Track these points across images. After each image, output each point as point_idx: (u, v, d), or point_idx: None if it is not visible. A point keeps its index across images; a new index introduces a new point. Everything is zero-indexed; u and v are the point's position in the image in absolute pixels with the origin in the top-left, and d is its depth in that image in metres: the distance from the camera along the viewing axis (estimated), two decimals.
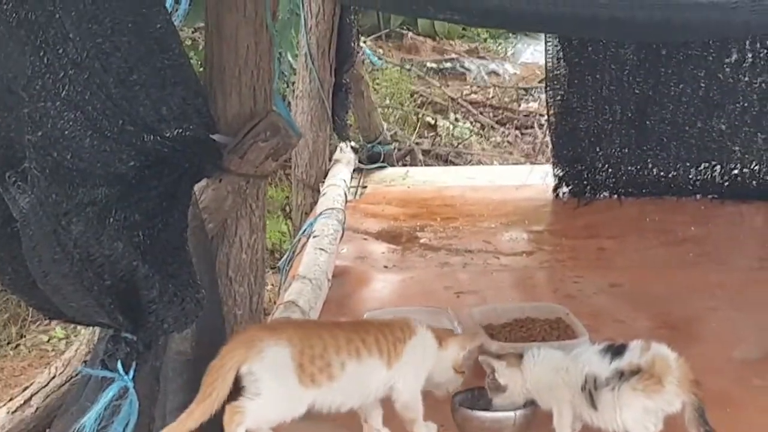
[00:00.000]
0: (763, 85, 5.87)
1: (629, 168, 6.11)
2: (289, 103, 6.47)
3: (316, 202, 5.83)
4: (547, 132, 6.89)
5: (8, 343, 6.21)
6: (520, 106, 10.02)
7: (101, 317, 2.83)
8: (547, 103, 6.27)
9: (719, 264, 5.02)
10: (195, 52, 6.78)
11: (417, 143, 8.56)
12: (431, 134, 9.20)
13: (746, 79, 5.88)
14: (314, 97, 6.32)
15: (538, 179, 6.35)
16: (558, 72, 6.07)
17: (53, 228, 2.63)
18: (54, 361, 4.10)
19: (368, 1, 6.92)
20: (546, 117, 6.59)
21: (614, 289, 4.65)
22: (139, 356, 2.88)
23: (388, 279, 4.83)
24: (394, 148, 7.41)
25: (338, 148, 6.70)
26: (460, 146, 9.07)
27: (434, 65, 10.63)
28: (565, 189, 6.15)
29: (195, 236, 3.14)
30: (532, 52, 10.89)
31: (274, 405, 2.96)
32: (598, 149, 6.12)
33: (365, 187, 6.56)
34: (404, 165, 7.38)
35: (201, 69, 3.50)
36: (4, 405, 4.18)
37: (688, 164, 6.06)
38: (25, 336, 6.30)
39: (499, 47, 11.43)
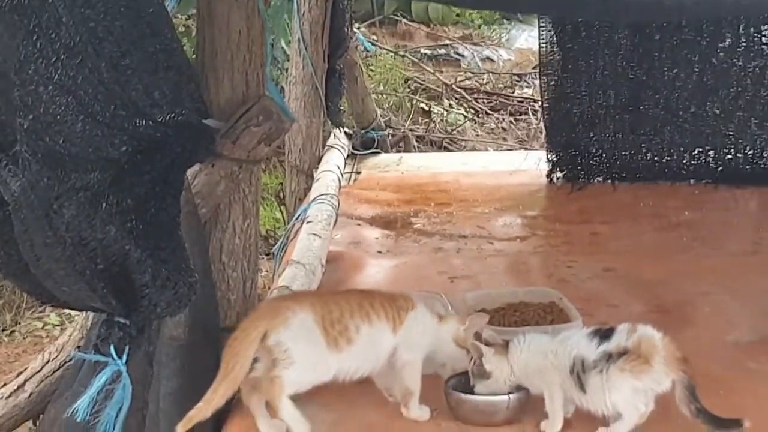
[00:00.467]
0: (757, 69, 5.87)
1: (623, 153, 6.11)
2: (283, 88, 6.46)
3: (309, 188, 5.83)
4: (541, 117, 6.90)
5: (3, 330, 6.21)
6: (514, 92, 10.01)
7: (94, 301, 2.83)
8: (540, 88, 6.26)
9: (713, 249, 5.03)
10: (188, 39, 6.76)
11: (411, 129, 8.54)
12: (425, 120, 9.18)
13: (740, 63, 5.87)
14: (307, 82, 6.30)
15: (532, 165, 6.34)
16: (552, 57, 6.06)
17: (45, 212, 2.63)
18: (48, 347, 4.11)
19: None
20: (540, 102, 6.58)
21: (608, 274, 4.65)
22: (132, 340, 2.89)
23: (381, 264, 4.83)
24: (388, 135, 7.40)
25: (332, 134, 6.70)
26: (454, 132, 9.06)
27: (428, 51, 10.61)
28: (558, 174, 6.15)
29: (188, 221, 3.14)
30: (527, 38, 10.86)
31: (309, 370, 3.08)
32: (591, 134, 6.12)
33: (359, 172, 6.56)
34: (398, 151, 7.37)
35: (194, 56, 3.49)
36: None
37: (681, 149, 6.06)
38: (19, 323, 6.30)
39: (494, 33, 11.41)
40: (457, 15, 11.43)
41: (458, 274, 4.68)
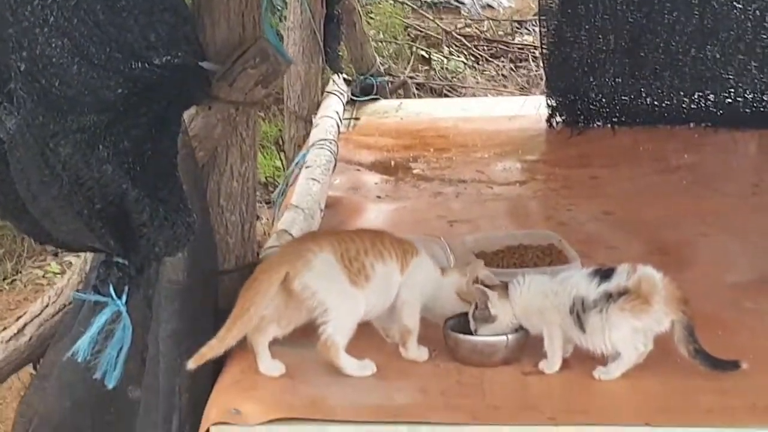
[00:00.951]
0: (757, 12, 5.84)
1: (623, 97, 6.08)
2: (281, 34, 6.43)
3: (308, 135, 5.81)
4: (541, 63, 6.88)
5: (4, 279, 6.23)
6: (514, 39, 9.99)
7: (92, 241, 2.83)
8: (540, 33, 6.23)
9: (712, 191, 5.02)
10: None
11: (411, 77, 8.52)
12: (425, 68, 9.16)
13: (740, 6, 5.84)
14: (305, 28, 6.27)
15: (531, 110, 6.32)
16: (551, 2, 6.02)
17: (41, 150, 2.63)
18: (47, 291, 4.12)
19: None
20: (539, 48, 6.56)
21: (607, 217, 4.65)
22: (131, 281, 2.90)
23: (380, 209, 4.83)
24: (388, 81, 7.38)
25: (331, 81, 6.67)
26: (455, 80, 9.04)
27: None
28: (558, 119, 6.13)
29: (185, 164, 3.13)
30: None
31: (346, 311, 3.11)
32: (591, 79, 6.10)
33: (358, 118, 6.53)
34: (398, 98, 7.35)
35: None
36: None
37: (681, 93, 6.04)
38: (20, 272, 6.32)
39: None
40: None
41: (457, 218, 4.68)
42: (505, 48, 9.73)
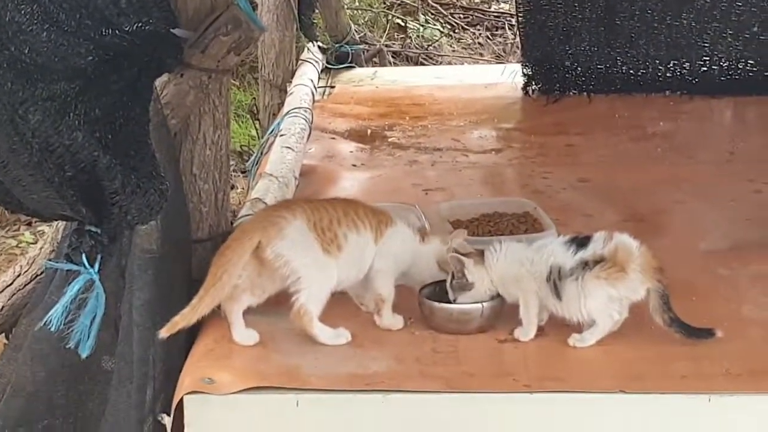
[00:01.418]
0: None
1: (598, 66, 6.08)
2: (255, 2, 6.38)
3: (283, 103, 5.78)
4: (517, 31, 6.86)
5: None
6: (490, 6, 9.93)
7: (63, 209, 2.80)
8: (516, 1, 6.22)
9: (687, 158, 5.03)
10: None
11: (386, 45, 8.48)
12: (401, 36, 9.12)
13: None
14: None
15: (507, 78, 6.30)
16: None
17: (10, 117, 2.59)
18: (19, 260, 4.09)
19: None
20: (515, 16, 6.54)
21: (583, 184, 4.65)
22: (103, 249, 2.87)
23: (356, 177, 4.81)
24: (363, 50, 7.34)
25: (305, 49, 6.64)
26: (430, 48, 9.01)
27: None
28: (534, 87, 6.12)
29: (157, 132, 3.11)
30: None
31: (319, 279, 3.10)
32: (567, 47, 6.09)
33: (333, 87, 6.50)
34: (373, 66, 7.32)
35: None
36: None
37: (657, 61, 6.04)
38: None
39: None
40: None
41: (433, 186, 4.67)
42: (482, 16, 9.68)
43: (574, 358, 3.06)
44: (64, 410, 3.22)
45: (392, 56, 8.42)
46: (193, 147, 3.44)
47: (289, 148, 4.71)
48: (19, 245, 6.18)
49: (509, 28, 9.23)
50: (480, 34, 9.47)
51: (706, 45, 5.99)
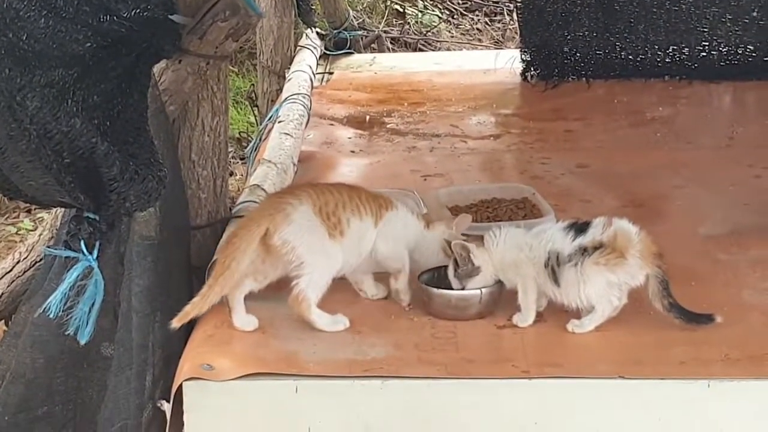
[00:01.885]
0: None
1: (597, 51, 6.06)
2: None
3: (282, 89, 5.78)
4: (515, 17, 6.84)
5: None
6: None
7: (62, 196, 2.80)
8: None
9: (686, 143, 5.03)
10: None
11: (385, 31, 8.47)
12: (399, 22, 9.10)
13: None
14: None
15: (506, 64, 6.29)
16: None
17: (8, 104, 2.59)
18: (18, 247, 4.09)
19: None
20: (514, 2, 6.53)
21: (581, 170, 4.64)
22: (102, 236, 2.87)
23: (354, 163, 4.81)
24: (362, 36, 7.33)
25: (304, 35, 6.63)
26: (429, 34, 8.99)
27: None
28: (533, 73, 6.11)
29: (156, 119, 3.11)
30: None
31: (320, 264, 3.10)
32: (565, 33, 6.06)
33: (331, 73, 6.49)
34: (372, 52, 7.30)
35: None
36: None
37: (656, 46, 6.02)
38: None
39: None
40: None
41: (431, 172, 4.66)
42: (480, 2, 9.66)
43: (573, 344, 3.07)
44: (63, 396, 3.23)
45: (391, 42, 8.41)
46: (191, 133, 3.44)
47: (287, 134, 4.70)
48: (19, 232, 6.18)
49: (508, 14, 9.21)
50: (479, 19, 9.46)
51: (705, 30, 5.97)
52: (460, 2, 9.64)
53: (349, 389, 2.90)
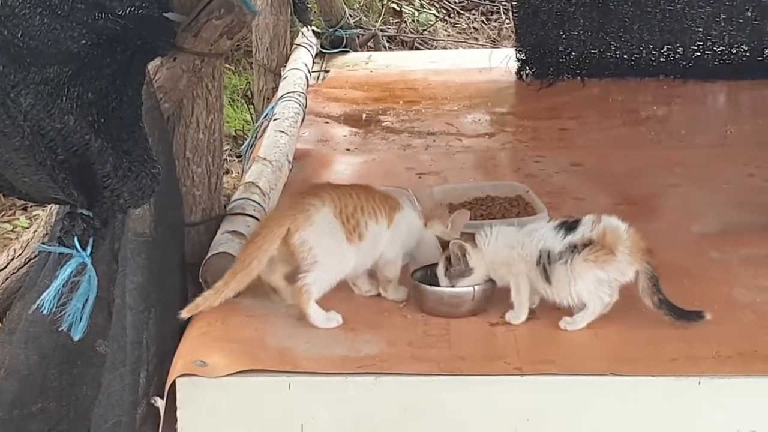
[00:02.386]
0: None
1: (592, 50, 6.10)
2: None
3: (277, 87, 5.79)
4: (511, 16, 6.86)
5: None
6: None
7: (56, 193, 2.81)
8: None
9: (680, 142, 5.05)
10: None
11: (381, 30, 8.48)
12: (396, 21, 9.11)
13: None
14: None
15: (501, 63, 6.30)
16: None
17: (2, 100, 2.59)
18: (13, 244, 4.10)
19: None
20: (509, 1, 6.54)
21: (576, 168, 4.66)
22: (96, 232, 2.87)
23: (349, 161, 4.82)
24: (358, 34, 7.34)
25: (300, 33, 6.64)
26: (425, 33, 9.00)
27: None
28: (528, 71, 6.12)
29: (150, 116, 3.11)
30: None
31: (332, 268, 3.13)
32: (560, 32, 6.09)
33: (327, 71, 6.51)
34: (368, 50, 7.32)
35: None
36: None
37: (650, 46, 6.05)
38: None
39: None
40: None
41: (426, 170, 4.68)
42: (477, 1, 9.68)
43: (565, 341, 3.07)
44: (57, 393, 3.24)
45: (387, 41, 8.42)
46: (186, 131, 3.44)
47: (282, 132, 4.71)
48: (14, 229, 6.18)
49: (504, 13, 9.22)
50: (475, 18, 9.47)
51: (699, 29, 6.01)
52: (457, 1, 9.66)
53: (342, 386, 2.90)
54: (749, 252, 3.64)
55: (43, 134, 2.65)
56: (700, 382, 2.86)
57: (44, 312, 2.87)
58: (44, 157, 2.69)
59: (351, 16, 7.39)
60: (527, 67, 6.13)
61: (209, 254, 3.31)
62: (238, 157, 6.53)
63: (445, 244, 3.24)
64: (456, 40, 9.04)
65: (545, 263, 3.10)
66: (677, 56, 6.03)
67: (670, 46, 6.03)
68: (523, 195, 4.00)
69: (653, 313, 3.06)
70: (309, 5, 6.76)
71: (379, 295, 3.32)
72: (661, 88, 5.88)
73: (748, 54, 5.97)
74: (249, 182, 3.95)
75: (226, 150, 5.19)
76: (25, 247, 3.85)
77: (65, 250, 2.87)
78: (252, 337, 3.08)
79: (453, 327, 3.14)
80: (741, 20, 5.93)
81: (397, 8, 9.24)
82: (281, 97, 5.26)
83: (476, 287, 3.18)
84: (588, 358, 2.99)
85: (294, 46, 6.45)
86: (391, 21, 9.12)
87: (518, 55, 6.17)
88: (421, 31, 9.01)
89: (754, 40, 5.95)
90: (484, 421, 2.91)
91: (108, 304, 3.14)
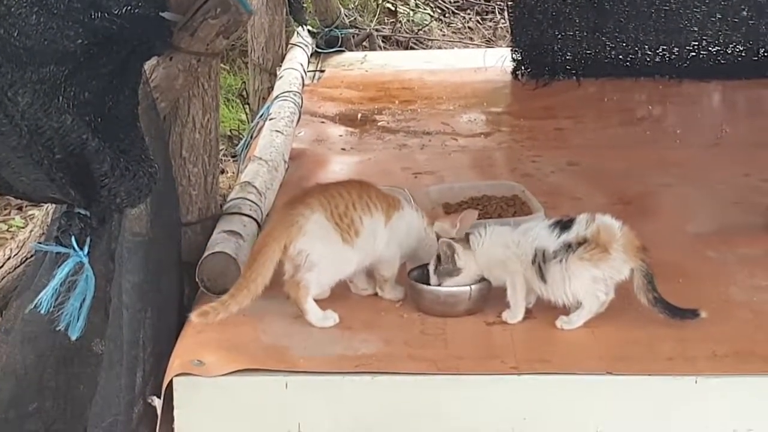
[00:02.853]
0: None
1: (587, 50, 6.10)
2: None
3: (273, 87, 5.78)
4: (506, 16, 6.86)
5: None
6: None
7: (53, 192, 2.80)
8: None
9: (676, 142, 5.06)
10: None
11: (376, 29, 8.47)
12: (391, 20, 9.11)
13: None
14: None
15: (496, 62, 6.31)
16: None
17: None
18: (9, 243, 4.09)
19: None
20: (505, 1, 6.55)
21: (571, 168, 4.66)
22: (93, 232, 2.87)
23: (345, 161, 4.82)
24: (353, 34, 7.34)
25: (295, 33, 6.64)
26: (421, 32, 9.00)
27: None
28: (523, 71, 6.13)
29: (147, 115, 3.11)
30: None
31: (329, 269, 3.17)
32: (556, 32, 6.10)
33: (323, 71, 6.51)
34: (363, 50, 7.31)
35: None
36: None
37: (646, 46, 6.06)
38: None
39: None
40: None
41: (422, 169, 4.68)
42: (472, 1, 9.68)
43: (562, 340, 3.08)
44: (54, 393, 3.24)
45: (382, 41, 8.42)
46: (182, 130, 3.44)
47: (278, 131, 4.71)
48: (10, 229, 6.17)
49: (499, 13, 9.22)
50: (470, 18, 9.47)
51: (695, 29, 6.01)
52: (452, 1, 9.65)
53: (339, 385, 2.91)
54: (745, 251, 3.65)
55: (40, 133, 2.65)
56: (696, 381, 2.87)
57: (42, 311, 2.87)
58: (41, 156, 2.68)
59: (346, 15, 7.38)
60: (523, 67, 6.13)
61: (205, 254, 3.31)
62: (233, 156, 6.53)
63: None
64: (451, 39, 9.03)
65: (540, 262, 3.11)
66: (673, 56, 6.03)
67: (665, 46, 6.03)
68: (520, 194, 3.99)
69: (650, 313, 3.07)
70: (304, 5, 6.76)
71: (376, 294, 3.33)
72: (656, 87, 5.88)
73: (743, 54, 5.98)
74: (245, 182, 3.95)
75: (221, 149, 5.19)
76: (22, 246, 3.85)
77: (62, 250, 2.87)
78: (249, 337, 3.09)
79: (450, 326, 3.15)
80: (736, 20, 5.94)
81: (392, 8, 9.24)
82: (277, 97, 5.26)
83: (473, 287, 3.19)
84: (585, 357, 2.99)
85: (289, 45, 6.44)
86: (386, 21, 9.12)
87: (514, 54, 6.17)
88: (416, 30, 9.01)
89: (750, 40, 5.96)
90: (480, 420, 2.92)
91: (105, 304, 3.15)
